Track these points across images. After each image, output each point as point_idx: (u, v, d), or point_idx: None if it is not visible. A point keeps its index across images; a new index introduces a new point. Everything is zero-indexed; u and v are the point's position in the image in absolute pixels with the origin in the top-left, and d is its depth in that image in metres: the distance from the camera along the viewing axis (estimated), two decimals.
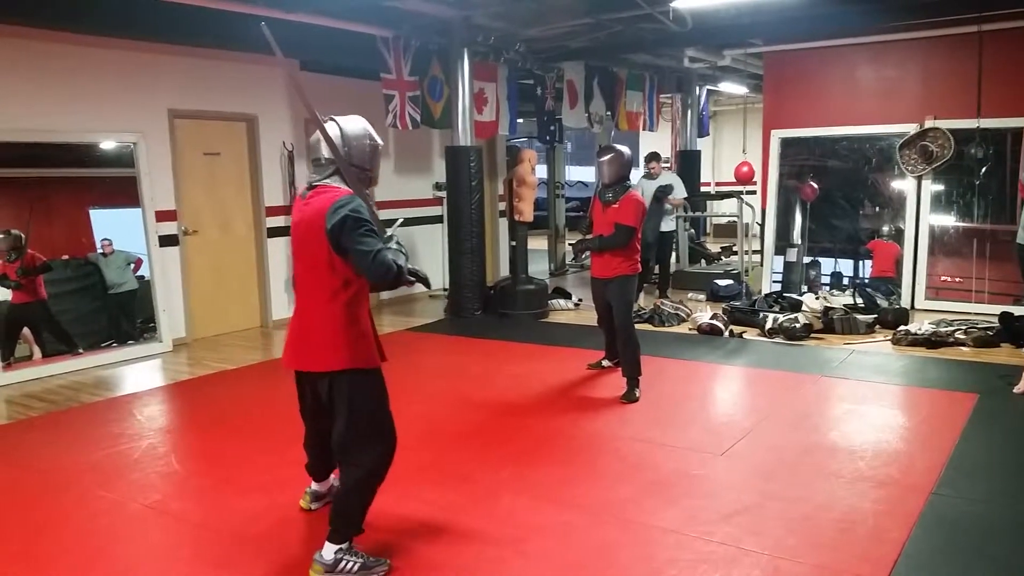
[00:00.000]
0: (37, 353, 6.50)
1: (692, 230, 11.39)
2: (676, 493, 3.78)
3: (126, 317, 7.12)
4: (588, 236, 5.65)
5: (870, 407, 5.11)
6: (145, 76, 7.09)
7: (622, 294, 5.47)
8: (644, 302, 8.56)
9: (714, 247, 12.66)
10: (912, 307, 8.11)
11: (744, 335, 7.22)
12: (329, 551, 3.02)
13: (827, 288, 8.87)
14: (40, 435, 4.90)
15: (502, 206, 10.79)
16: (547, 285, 9.00)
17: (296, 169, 8.26)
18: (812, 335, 7.06)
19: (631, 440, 4.56)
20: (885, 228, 8.64)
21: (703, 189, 14.12)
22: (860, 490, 3.77)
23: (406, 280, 3.05)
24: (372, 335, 3.11)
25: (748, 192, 11.06)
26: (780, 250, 9.20)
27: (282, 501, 3.76)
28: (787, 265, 9.18)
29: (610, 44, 9.25)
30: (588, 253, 5.70)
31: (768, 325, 7.13)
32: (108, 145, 6.95)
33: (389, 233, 3.11)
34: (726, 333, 7.22)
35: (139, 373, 6.53)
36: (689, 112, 12.29)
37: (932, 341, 6.59)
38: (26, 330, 6.49)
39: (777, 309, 7.61)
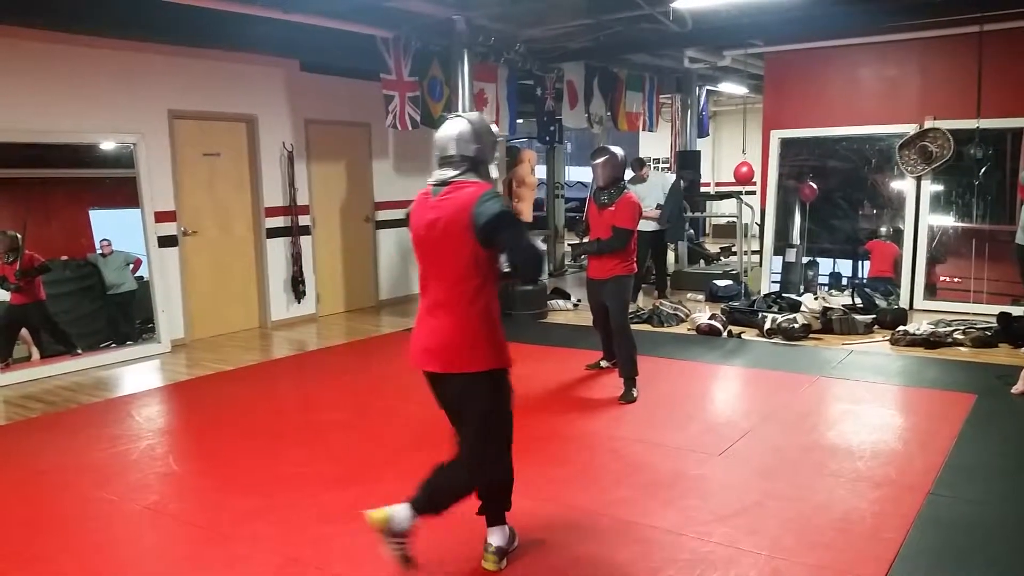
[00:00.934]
0: (36, 354, 6.50)
1: (691, 231, 11.39)
2: (674, 494, 3.78)
3: (125, 318, 7.12)
4: (585, 240, 5.63)
5: (868, 407, 5.11)
6: (145, 76, 7.10)
7: (618, 295, 5.46)
8: (643, 302, 8.57)
9: (713, 247, 12.66)
10: (911, 307, 8.11)
11: (743, 335, 7.23)
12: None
13: (826, 288, 8.88)
14: (38, 436, 4.90)
15: None
16: (546, 285, 9.00)
17: (295, 169, 8.27)
18: (811, 335, 7.06)
19: (629, 440, 4.56)
20: (883, 228, 8.64)
21: (703, 189, 14.11)
22: (858, 490, 3.78)
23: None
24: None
25: (747, 192, 11.06)
26: (779, 250, 9.21)
27: (281, 501, 3.76)
28: (786, 265, 9.18)
29: (610, 44, 9.24)
30: (586, 256, 5.70)
31: (767, 325, 7.14)
32: (108, 145, 6.95)
33: None
34: (725, 333, 7.23)
35: (138, 374, 6.53)
36: (689, 112, 12.28)
37: (930, 341, 6.59)
38: (24, 331, 6.49)
39: (776, 309, 7.61)
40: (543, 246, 2.54)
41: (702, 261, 11.41)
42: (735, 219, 10.34)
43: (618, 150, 5.55)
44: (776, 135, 9.10)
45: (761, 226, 9.33)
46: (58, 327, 6.67)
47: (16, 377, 6.21)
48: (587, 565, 3.12)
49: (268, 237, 8.16)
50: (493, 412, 3.00)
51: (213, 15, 6.43)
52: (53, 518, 3.69)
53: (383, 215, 9.42)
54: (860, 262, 9.13)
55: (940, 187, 8.27)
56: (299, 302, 8.45)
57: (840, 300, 7.81)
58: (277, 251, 8.27)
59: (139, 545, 3.46)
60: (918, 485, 3.80)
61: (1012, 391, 5.22)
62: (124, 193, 7.06)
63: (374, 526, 2.89)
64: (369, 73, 8.25)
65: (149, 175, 7.08)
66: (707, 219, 14.47)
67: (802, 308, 7.47)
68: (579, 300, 8.80)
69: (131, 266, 7.10)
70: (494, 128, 3.08)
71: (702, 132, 12.92)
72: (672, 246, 10.28)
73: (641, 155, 14.00)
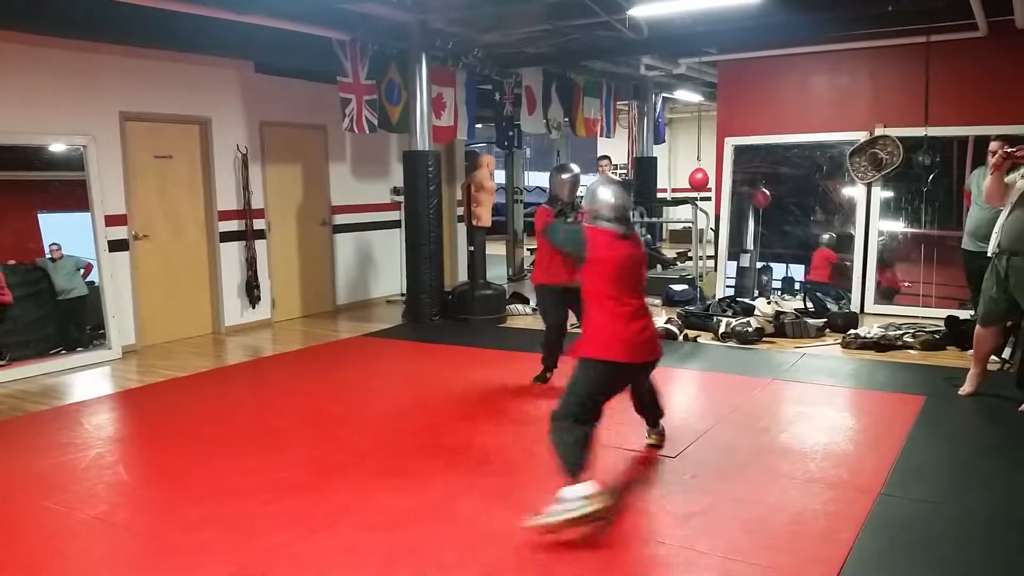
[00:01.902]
0: None
1: (648, 236, 11.49)
2: (630, 497, 3.80)
3: (75, 324, 6.96)
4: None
5: (821, 409, 5.19)
6: (96, 77, 6.96)
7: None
8: None
9: (669, 252, 12.78)
10: (861, 311, 8.27)
11: (698, 339, 7.30)
12: None
13: (779, 293, 9.01)
14: None
15: (460, 211, 10.77)
16: (505, 290, 9.01)
17: (250, 172, 8.17)
18: (764, 339, 7.16)
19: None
20: (824, 236, 8.82)
21: (659, 195, 14.26)
22: (811, 491, 3.83)
23: None
24: None
25: (703, 198, 11.19)
26: (733, 256, 9.33)
27: (232, 510, 3.71)
28: (740, 270, 9.31)
29: (568, 51, 9.31)
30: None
31: (721, 329, 7.22)
32: (57, 148, 6.80)
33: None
34: (680, 337, 7.29)
35: (88, 381, 6.39)
36: (645, 119, 12.42)
37: (881, 344, 6.73)
38: None
39: (730, 314, 7.70)
40: None
41: (658, 266, 11.51)
42: (691, 224, 10.45)
43: (577, 169, 5.87)
44: (730, 142, 9.22)
45: (716, 232, 9.45)
46: None
47: None
48: (548, 568, 3.12)
49: (222, 241, 8.05)
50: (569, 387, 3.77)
51: (166, 15, 6.34)
52: None
53: (340, 219, 9.35)
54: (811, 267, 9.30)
55: (890, 193, 8.45)
56: (254, 307, 8.34)
57: (793, 304, 7.94)
58: (231, 255, 8.16)
59: (87, 556, 3.38)
60: (869, 486, 3.87)
61: (960, 392, 5.34)
62: (74, 196, 6.90)
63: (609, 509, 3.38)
64: (325, 75, 8.20)
65: (100, 178, 6.94)
66: (663, 224, 14.60)
67: (756, 312, 7.58)
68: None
69: (82, 271, 6.95)
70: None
71: (658, 139, 13.06)
72: None
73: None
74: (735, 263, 9.35)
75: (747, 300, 8.23)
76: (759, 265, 9.37)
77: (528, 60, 9.56)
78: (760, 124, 9.04)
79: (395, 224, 9.91)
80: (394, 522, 3.54)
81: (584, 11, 7.52)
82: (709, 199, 10.50)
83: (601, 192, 3.84)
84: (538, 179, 19.48)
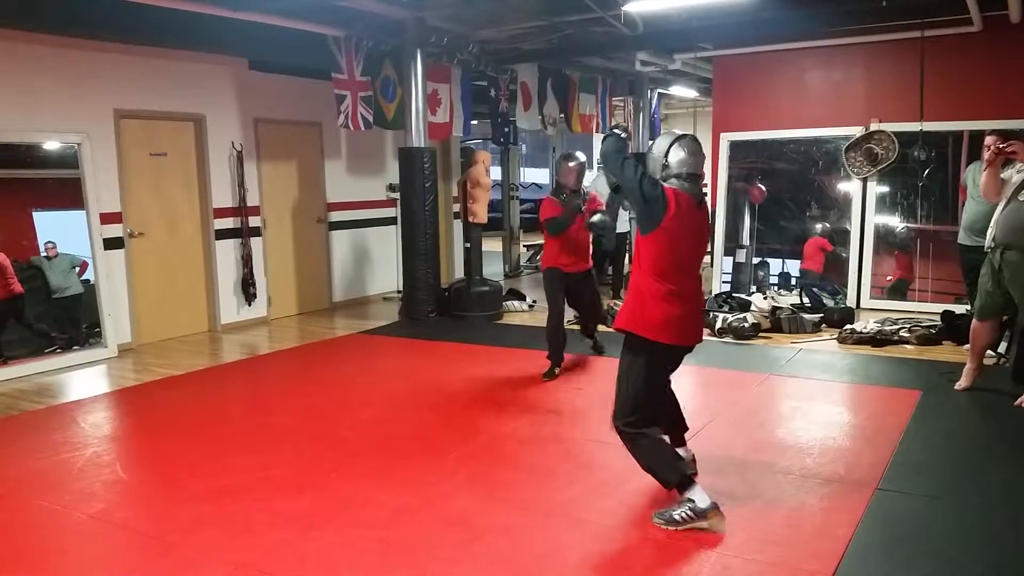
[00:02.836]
0: None
1: None
2: (627, 492, 3.80)
3: (71, 322, 6.95)
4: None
5: (817, 404, 5.20)
6: (90, 75, 6.94)
7: (595, 286, 5.89)
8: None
9: None
10: (857, 306, 8.28)
11: None
12: None
13: (775, 288, 9.02)
14: None
15: (456, 208, 10.76)
16: (501, 287, 9.00)
17: (245, 170, 8.15)
18: (760, 334, 7.17)
19: (582, 440, 4.58)
20: (818, 227, 8.81)
21: None
22: (808, 486, 3.84)
23: None
24: None
25: None
26: (729, 251, 9.33)
27: (230, 508, 3.70)
28: (736, 266, 9.32)
29: (563, 47, 9.30)
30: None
31: (718, 325, 7.22)
32: (51, 146, 6.78)
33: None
34: None
35: (83, 379, 6.37)
36: (641, 115, 12.39)
37: (877, 339, 6.74)
38: None
39: (726, 309, 7.71)
40: None
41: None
42: None
43: (583, 157, 5.93)
44: (725, 138, 9.22)
45: (712, 227, 9.45)
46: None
47: None
48: (541, 565, 3.12)
49: (217, 239, 8.03)
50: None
51: (160, 13, 6.33)
52: None
53: (336, 216, 9.34)
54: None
55: (885, 188, 8.45)
56: (250, 305, 8.33)
57: (789, 299, 7.95)
58: (227, 253, 8.14)
59: (85, 555, 3.37)
60: (866, 481, 3.87)
61: (956, 387, 5.35)
62: (68, 194, 6.88)
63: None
64: (320, 72, 8.19)
65: (94, 176, 6.92)
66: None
67: (752, 308, 7.58)
68: (535, 301, 8.81)
69: (77, 269, 6.94)
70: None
71: (654, 134, 13.04)
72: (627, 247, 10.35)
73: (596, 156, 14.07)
74: (731, 259, 9.36)
75: (743, 296, 8.24)
76: (755, 260, 9.38)
77: (523, 56, 9.55)
78: (755, 120, 9.04)
79: (391, 221, 9.91)
80: (391, 519, 3.54)
81: (579, 7, 7.51)
82: (705, 194, 10.49)
83: (673, 147, 3.40)
84: (534, 175, 19.48)
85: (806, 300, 7.85)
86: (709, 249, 9.74)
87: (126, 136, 7.25)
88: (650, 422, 3.47)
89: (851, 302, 8.25)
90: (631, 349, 3.46)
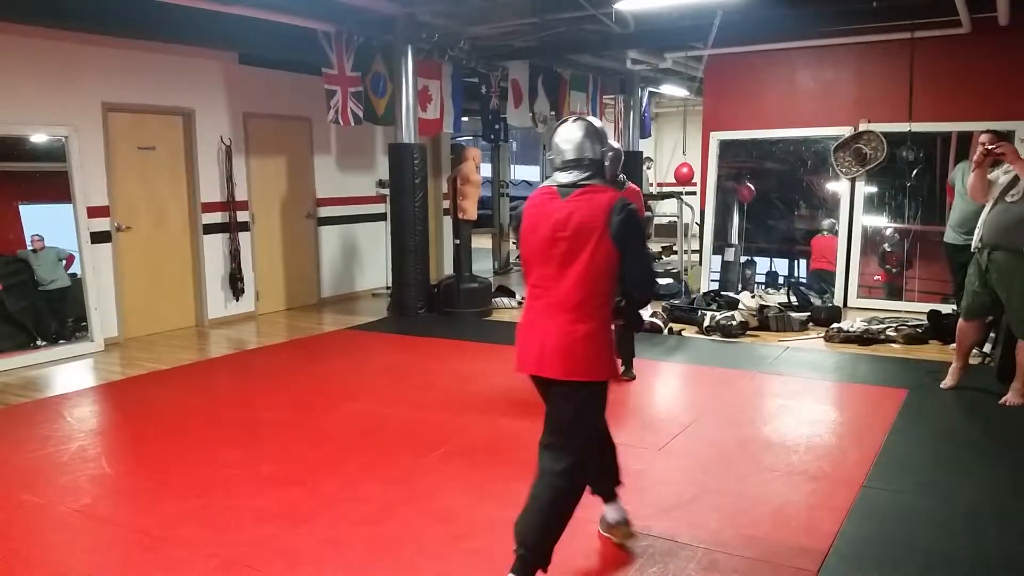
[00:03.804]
0: None
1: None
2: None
3: (57, 315, 6.91)
4: None
5: (804, 402, 5.22)
6: (78, 68, 6.89)
7: None
8: None
9: (655, 246, 12.81)
10: (844, 305, 8.32)
11: (683, 332, 7.33)
12: None
13: (763, 287, 9.06)
14: None
15: (446, 204, 10.74)
16: (491, 284, 9.00)
17: (233, 164, 8.12)
18: (748, 332, 7.20)
19: None
20: (826, 223, 8.82)
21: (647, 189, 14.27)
22: (794, 483, 3.86)
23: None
24: None
25: (688, 193, 11.22)
26: (718, 250, 9.37)
27: (217, 503, 3.69)
28: (724, 264, 9.35)
29: (554, 44, 9.30)
30: None
31: (706, 323, 7.25)
32: (38, 139, 6.73)
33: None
34: (665, 330, 7.32)
35: (69, 373, 6.34)
36: (631, 113, 12.41)
37: (864, 338, 6.77)
38: None
39: (715, 307, 7.74)
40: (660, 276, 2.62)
41: None
42: (676, 219, 10.48)
43: (619, 145, 5.76)
44: (715, 137, 9.25)
45: (701, 226, 9.48)
46: None
47: None
48: None
49: (205, 233, 8.00)
50: (593, 422, 2.93)
51: (150, 6, 6.30)
52: None
53: (325, 211, 9.31)
54: (796, 261, 9.34)
55: (874, 188, 8.49)
56: (237, 300, 8.30)
57: (776, 298, 7.98)
58: (214, 247, 8.11)
59: (70, 549, 3.35)
60: (852, 478, 3.90)
61: (942, 386, 5.38)
62: (55, 187, 6.84)
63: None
64: (310, 67, 8.16)
65: (82, 169, 6.88)
66: (649, 218, 14.62)
67: (740, 306, 7.61)
68: (524, 298, 8.79)
69: (64, 262, 6.89)
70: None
71: (644, 133, 13.07)
72: None
73: None
74: (720, 257, 9.39)
75: (731, 294, 8.27)
76: (743, 259, 9.41)
77: (514, 53, 9.54)
78: (745, 119, 9.07)
79: (380, 217, 9.89)
80: (378, 514, 3.54)
81: (570, 4, 7.51)
82: (694, 193, 10.53)
83: (553, 134, 2.99)
84: (524, 172, 19.47)
85: (793, 299, 7.88)
86: (675, 248, 9.80)
87: (114, 129, 7.20)
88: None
89: (838, 301, 8.29)
90: (603, 397, 3.05)
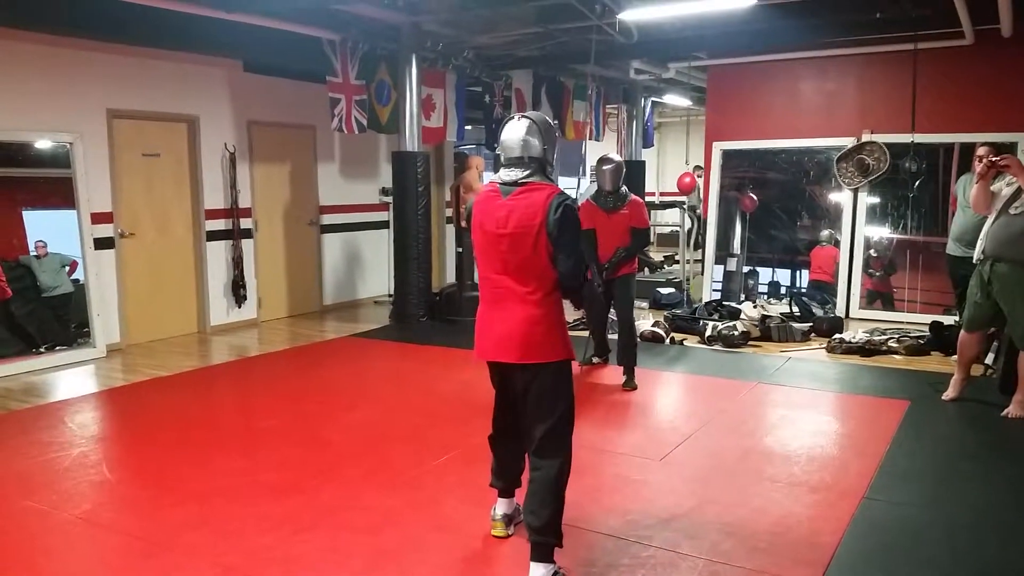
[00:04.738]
0: None
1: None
2: (616, 498, 3.81)
3: (60, 321, 6.91)
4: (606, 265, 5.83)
5: (805, 413, 5.22)
6: (83, 75, 6.92)
7: (628, 292, 5.86)
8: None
9: (657, 256, 12.81)
10: (846, 316, 8.31)
11: (685, 342, 7.32)
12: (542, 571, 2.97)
13: (765, 297, 9.05)
14: None
15: (449, 212, 10.77)
16: None
17: (237, 171, 8.14)
18: (750, 343, 7.20)
19: (575, 447, 4.56)
20: (824, 234, 8.83)
21: (647, 199, 14.28)
22: (795, 495, 3.85)
23: (587, 294, 3.14)
24: None
25: (690, 208, 11.20)
26: (720, 260, 9.36)
27: (217, 511, 3.69)
28: (727, 274, 9.35)
29: (558, 54, 9.32)
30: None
31: (708, 333, 7.24)
32: (43, 145, 6.75)
33: None
34: (667, 340, 7.31)
35: (71, 379, 6.34)
36: (634, 123, 12.44)
37: (866, 349, 6.76)
38: None
39: (717, 317, 7.74)
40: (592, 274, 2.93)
41: (646, 269, 11.53)
42: (678, 228, 10.48)
43: (620, 158, 5.93)
44: (718, 147, 9.26)
45: (703, 236, 9.48)
46: None
47: None
48: (527, 571, 3.12)
49: (208, 240, 8.01)
50: (565, 399, 3.08)
51: (155, 13, 6.32)
52: None
53: (328, 219, 9.33)
54: (798, 271, 9.33)
55: (876, 199, 8.49)
56: (240, 307, 8.31)
57: (778, 308, 7.97)
58: (217, 254, 8.12)
59: (70, 555, 3.35)
60: (853, 489, 3.89)
61: (943, 397, 5.37)
62: (59, 193, 6.86)
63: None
64: (314, 75, 8.19)
65: (86, 175, 6.90)
66: (651, 228, 14.62)
67: (742, 316, 7.61)
68: None
69: (67, 268, 6.91)
70: (554, 126, 3.19)
71: (647, 142, 13.09)
72: None
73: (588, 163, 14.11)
74: (722, 267, 9.38)
75: (733, 304, 8.27)
76: (746, 269, 9.41)
77: (518, 62, 9.57)
78: (748, 129, 9.08)
79: (383, 225, 9.90)
80: (379, 523, 3.54)
81: (574, 14, 7.53)
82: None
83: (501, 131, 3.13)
84: None
85: (795, 309, 7.87)
86: (677, 257, 9.80)
87: (118, 136, 7.23)
88: (490, 442, 3.42)
89: (840, 312, 8.28)
90: (568, 375, 3.22)
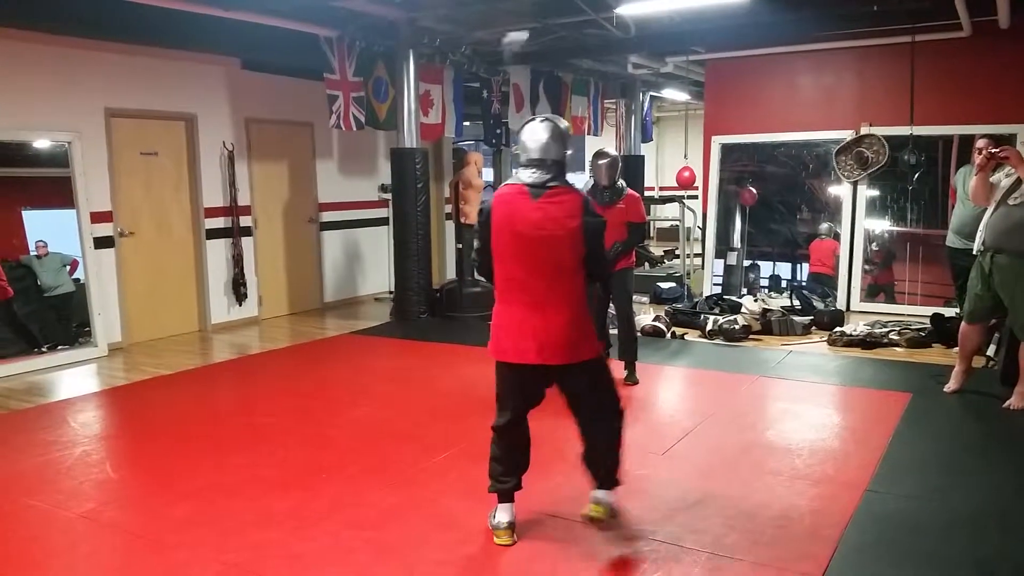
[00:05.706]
0: None
1: None
2: (619, 493, 3.80)
3: (61, 321, 6.92)
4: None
5: (807, 406, 5.22)
6: (81, 73, 6.91)
7: (626, 286, 5.84)
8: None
9: (657, 250, 12.81)
10: (847, 309, 8.31)
11: (686, 336, 7.33)
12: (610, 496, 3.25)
13: (765, 291, 9.05)
14: None
15: (448, 208, 10.77)
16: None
17: (236, 169, 8.13)
18: (751, 336, 7.20)
19: (575, 441, 4.54)
20: (823, 227, 8.82)
21: (647, 194, 14.28)
22: (797, 488, 3.85)
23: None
24: None
25: (690, 197, 11.21)
26: (720, 254, 9.36)
27: (220, 508, 3.69)
28: (727, 268, 9.35)
29: (556, 49, 9.31)
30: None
31: (709, 327, 7.25)
32: (42, 144, 6.75)
33: None
34: (668, 334, 7.32)
35: (73, 378, 6.35)
36: (633, 117, 12.42)
37: (867, 342, 6.77)
38: None
39: (717, 311, 7.73)
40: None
41: (646, 264, 11.54)
42: (678, 223, 10.48)
43: (615, 152, 5.89)
44: (717, 141, 9.25)
45: (703, 230, 9.48)
46: None
47: None
48: (532, 564, 3.12)
49: (208, 238, 8.01)
50: (610, 371, 3.34)
51: (152, 11, 6.30)
52: None
53: (328, 216, 9.33)
54: (798, 265, 9.34)
55: (876, 192, 8.49)
56: (240, 304, 8.31)
57: (779, 302, 7.97)
58: (217, 252, 8.12)
59: (74, 554, 3.36)
60: (855, 482, 3.89)
61: (945, 389, 5.37)
62: (59, 193, 6.86)
63: (599, 519, 3.19)
64: (312, 72, 8.17)
65: (85, 175, 6.89)
66: (651, 223, 14.63)
67: (743, 310, 7.61)
68: None
69: (67, 267, 6.91)
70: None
71: (646, 137, 13.07)
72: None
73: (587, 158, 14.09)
74: (722, 261, 9.38)
75: (734, 298, 8.27)
76: (746, 263, 9.41)
77: (516, 58, 9.55)
78: (747, 123, 9.07)
79: (383, 221, 9.90)
80: (381, 519, 3.54)
81: (572, 9, 7.52)
82: (696, 197, 10.52)
83: (521, 132, 3.18)
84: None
85: (796, 302, 7.88)
86: (677, 252, 9.80)
87: (117, 135, 7.22)
88: (501, 432, 3.40)
89: (841, 305, 8.29)
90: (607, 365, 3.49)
